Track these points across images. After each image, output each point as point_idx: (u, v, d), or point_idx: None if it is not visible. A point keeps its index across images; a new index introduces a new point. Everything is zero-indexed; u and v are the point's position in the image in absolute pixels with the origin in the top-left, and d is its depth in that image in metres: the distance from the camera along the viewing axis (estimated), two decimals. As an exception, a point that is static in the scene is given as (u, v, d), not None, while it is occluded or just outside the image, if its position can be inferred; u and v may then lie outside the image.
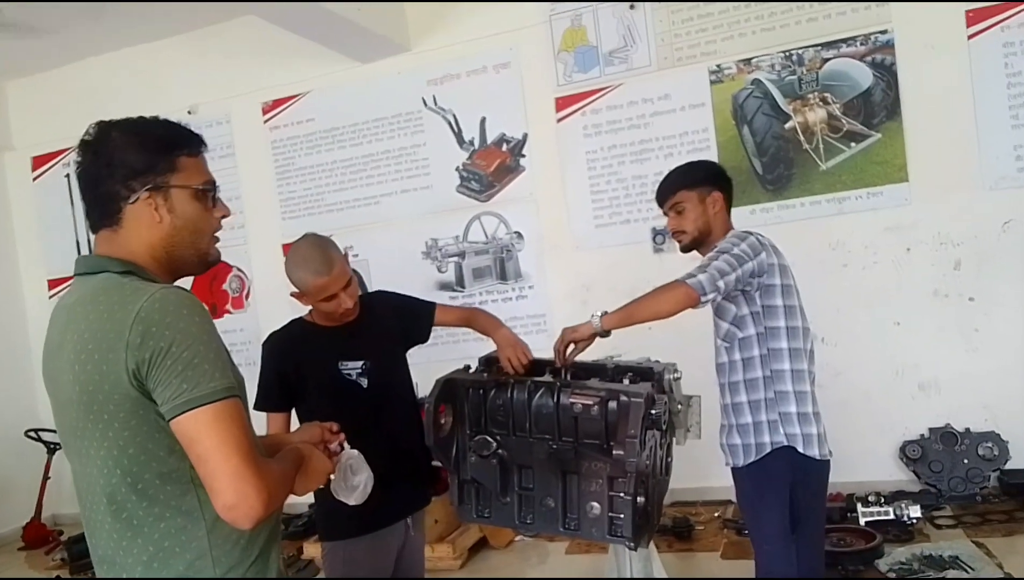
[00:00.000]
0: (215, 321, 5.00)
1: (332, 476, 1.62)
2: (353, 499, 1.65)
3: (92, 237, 1.47)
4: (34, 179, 5.86)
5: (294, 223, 5.14)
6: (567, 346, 2.27)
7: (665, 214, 2.52)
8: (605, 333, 2.24)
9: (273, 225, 5.30)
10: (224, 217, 1.51)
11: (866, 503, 3.90)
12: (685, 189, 2.42)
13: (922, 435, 4.23)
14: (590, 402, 2.11)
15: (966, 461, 4.11)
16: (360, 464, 1.66)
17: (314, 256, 2.18)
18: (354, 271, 5.14)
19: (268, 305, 5.12)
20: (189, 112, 5.31)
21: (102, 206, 1.40)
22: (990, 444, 4.10)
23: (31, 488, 5.20)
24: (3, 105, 5.84)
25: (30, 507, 5.23)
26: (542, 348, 4.18)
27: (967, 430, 4.15)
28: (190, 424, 1.24)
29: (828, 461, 2.33)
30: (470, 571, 4.12)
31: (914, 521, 3.80)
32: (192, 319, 1.29)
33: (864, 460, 4.31)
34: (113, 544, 1.35)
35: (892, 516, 3.82)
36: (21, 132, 5.83)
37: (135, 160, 1.37)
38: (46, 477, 5.19)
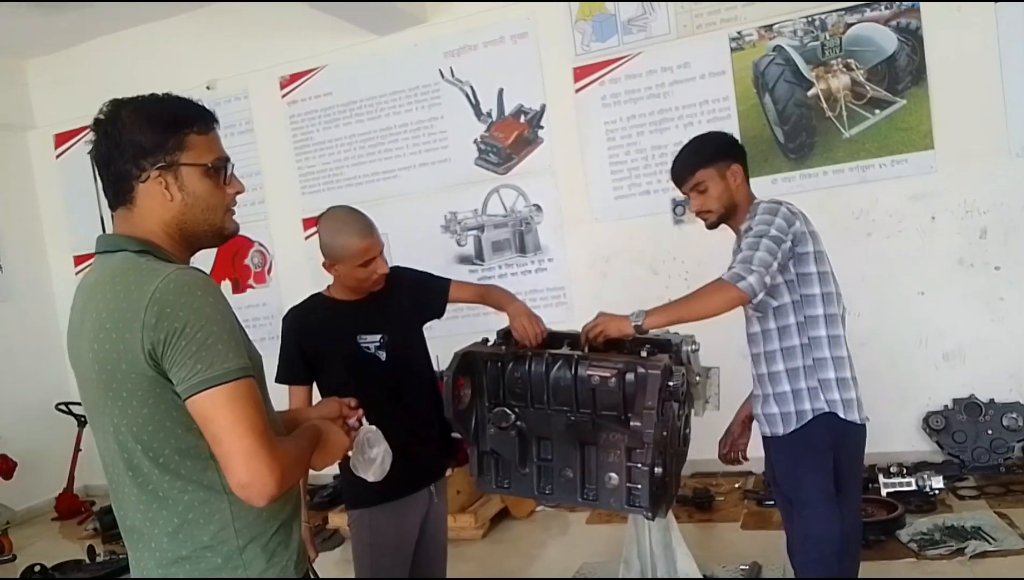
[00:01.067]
0: (237, 296, 5.06)
1: (350, 451, 1.64)
2: (371, 474, 1.66)
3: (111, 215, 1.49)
4: (57, 156, 5.92)
5: (314, 198, 5.16)
6: (598, 335, 2.23)
7: (685, 195, 2.47)
8: (642, 331, 2.20)
9: (293, 200, 5.32)
10: (238, 193, 1.50)
11: (888, 474, 3.89)
12: (703, 167, 2.36)
13: (946, 406, 4.20)
14: (607, 374, 2.12)
15: (990, 431, 4.08)
16: (378, 439, 1.67)
17: (355, 219, 2.24)
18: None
19: (290, 280, 5.15)
20: (208, 88, 5.32)
21: (115, 185, 1.41)
22: (1015, 415, 4.06)
23: (63, 460, 5.31)
24: (24, 84, 5.89)
25: (62, 479, 5.36)
26: (562, 321, 4.17)
27: (991, 400, 4.11)
28: (205, 404, 1.26)
29: (865, 426, 2.34)
30: (492, 541, 4.17)
31: (936, 492, 3.78)
32: (206, 300, 1.30)
33: (887, 431, 4.28)
34: (140, 515, 1.38)
35: (914, 487, 3.81)
36: (43, 110, 5.88)
37: (144, 139, 1.37)
38: (77, 449, 5.30)
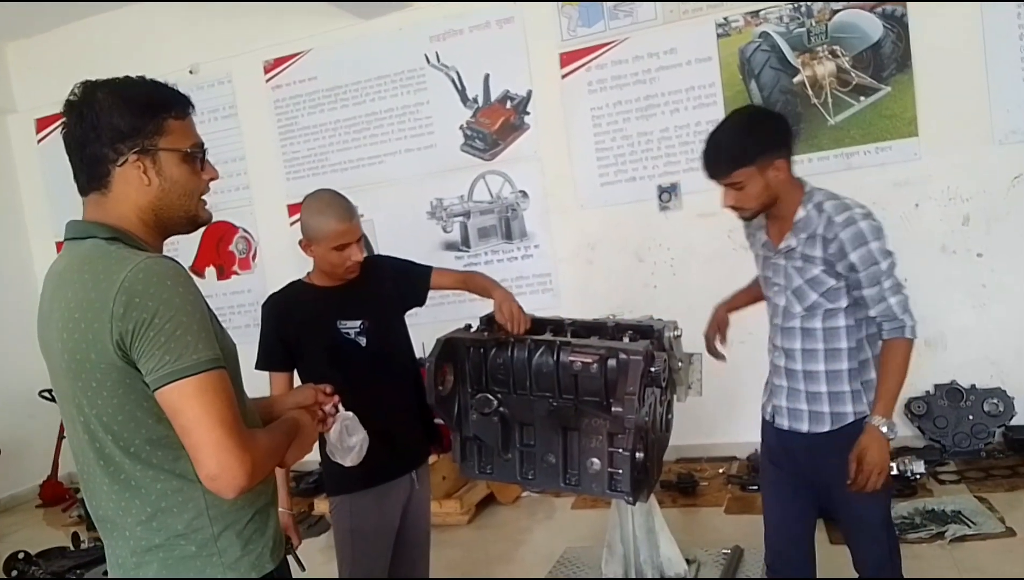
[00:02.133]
0: (222, 282, 5.03)
1: (329, 434, 1.64)
2: (349, 460, 1.66)
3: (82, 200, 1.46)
4: (39, 141, 5.85)
5: (299, 184, 5.13)
6: (878, 476, 2.07)
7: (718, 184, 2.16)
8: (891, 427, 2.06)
9: (278, 186, 5.29)
10: (212, 180, 1.49)
11: (870, 458, 3.91)
12: (744, 165, 2.03)
13: (927, 391, 4.23)
14: (589, 360, 2.12)
15: (971, 417, 4.12)
16: (355, 426, 1.67)
17: (337, 203, 2.24)
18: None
19: (275, 266, 5.13)
20: (191, 72, 5.28)
21: (89, 169, 1.38)
22: (995, 400, 4.10)
23: (47, 447, 5.28)
24: (5, 67, 5.81)
25: (46, 466, 5.33)
26: (548, 307, 4.21)
27: (973, 386, 4.15)
28: (173, 396, 1.25)
29: None
30: (477, 526, 4.18)
31: (917, 477, 3.80)
32: (176, 290, 1.28)
33: (869, 416, 4.33)
34: (112, 504, 1.37)
35: (895, 472, 3.81)
36: (23, 94, 5.81)
37: (122, 122, 1.35)
38: (61, 436, 5.26)
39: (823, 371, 2.14)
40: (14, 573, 4.11)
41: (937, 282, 4.20)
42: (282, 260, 4.97)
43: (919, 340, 4.33)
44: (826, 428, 2.16)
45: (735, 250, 4.25)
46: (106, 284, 1.26)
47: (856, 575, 2.29)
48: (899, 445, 4.16)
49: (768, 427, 2.31)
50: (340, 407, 1.67)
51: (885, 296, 2.05)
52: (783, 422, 2.24)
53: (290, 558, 2.19)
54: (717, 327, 2.57)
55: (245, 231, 5.39)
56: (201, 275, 5.44)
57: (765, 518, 2.40)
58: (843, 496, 2.14)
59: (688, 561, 2.86)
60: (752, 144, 2.05)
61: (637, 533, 2.73)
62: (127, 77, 1.43)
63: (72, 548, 4.25)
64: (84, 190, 1.42)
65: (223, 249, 5.41)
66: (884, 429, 2.03)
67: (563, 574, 3.06)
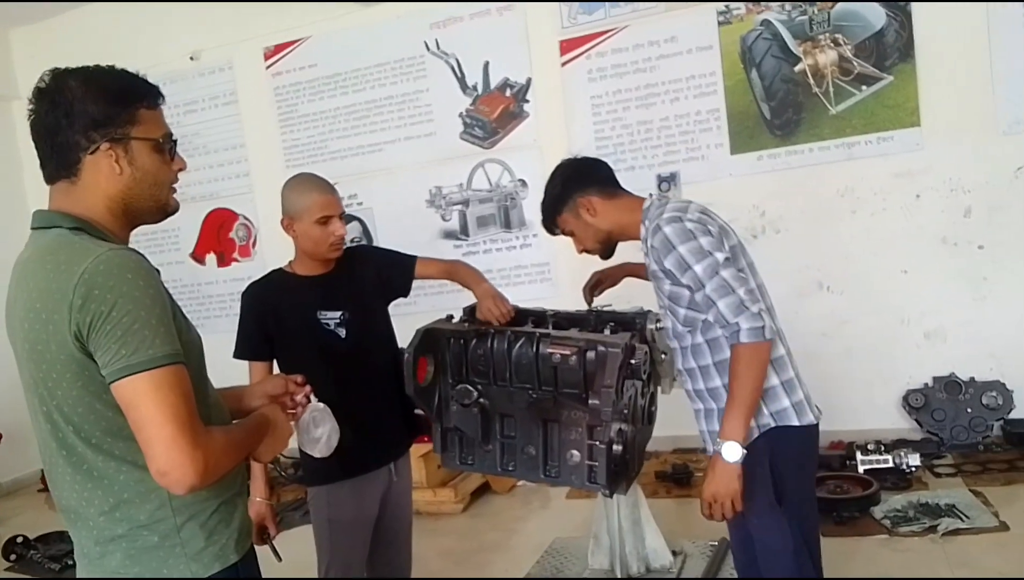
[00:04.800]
0: (222, 269, 5.02)
1: (298, 427, 1.63)
2: (317, 451, 1.66)
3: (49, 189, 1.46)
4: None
5: (299, 171, 5.07)
6: (719, 509, 1.94)
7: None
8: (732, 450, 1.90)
9: (278, 173, 5.25)
10: (180, 170, 1.49)
11: (865, 451, 3.90)
12: (558, 215, 2.21)
13: (926, 384, 4.20)
14: (568, 352, 2.11)
15: (969, 410, 4.08)
16: (324, 417, 1.66)
17: (317, 179, 2.30)
18: (359, 220, 5.17)
19: (274, 253, 5.12)
20: (191, 58, 5.28)
21: (60, 156, 1.37)
22: (994, 393, 4.06)
23: (49, 432, 5.31)
24: (8, 54, 5.83)
25: (48, 450, 5.36)
26: (546, 297, 4.22)
27: (971, 379, 4.11)
28: (127, 390, 1.24)
29: (816, 425, 2.07)
30: (471, 515, 4.19)
31: (913, 469, 3.79)
32: (136, 283, 1.26)
33: (867, 408, 4.31)
34: (75, 495, 1.37)
35: (891, 464, 3.82)
36: (27, 80, 5.78)
37: (95, 110, 1.35)
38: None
39: (721, 386, 2.01)
40: (13, 557, 4.16)
41: (937, 274, 4.17)
42: (282, 247, 4.93)
43: (917, 332, 4.35)
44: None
45: (733, 240, 4.23)
46: (67, 275, 1.26)
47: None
48: (896, 437, 4.15)
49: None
50: (312, 398, 1.67)
51: (712, 299, 1.89)
52: (709, 448, 2.06)
53: (268, 549, 2.22)
54: (600, 281, 2.59)
55: (245, 218, 5.40)
56: (202, 262, 5.47)
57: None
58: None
59: (674, 553, 2.86)
60: (556, 194, 2.21)
61: (623, 524, 2.74)
62: (98, 66, 1.43)
63: (71, 532, 4.29)
64: (51, 178, 1.41)
65: (223, 236, 5.42)
66: (725, 455, 1.88)
67: (551, 564, 3.06)
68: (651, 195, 2.17)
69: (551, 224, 2.27)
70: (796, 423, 2.00)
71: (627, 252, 2.36)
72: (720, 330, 1.93)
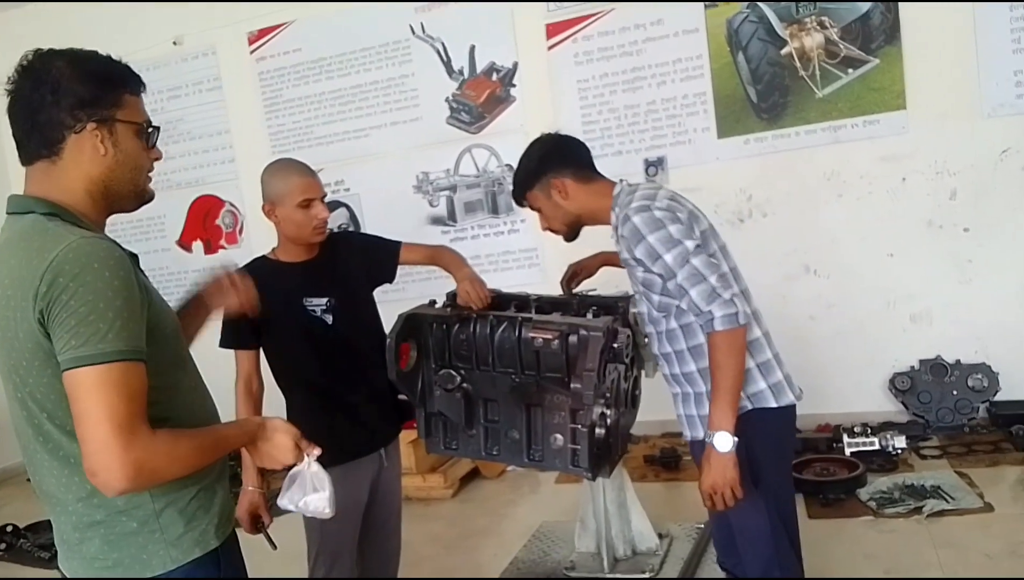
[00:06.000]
0: (209, 257, 4.97)
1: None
2: (295, 507, 1.55)
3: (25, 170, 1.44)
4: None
5: (284, 157, 5.08)
6: (722, 497, 1.93)
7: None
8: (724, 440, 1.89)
9: (263, 159, 5.09)
10: (157, 160, 1.50)
11: (852, 434, 3.92)
12: (528, 190, 2.18)
13: (912, 367, 4.22)
14: (550, 336, 2.11)
15: (955, 392, 4.11)
16: (314, 481, 1.52)
17: (295, 163, 2.30)
18: (346, 206, 5.14)
19: (261, 240, 5.06)
20: (174, 43, 5.22)
21: (42, 134, 1.36)
22: (980, 375, 4.09)
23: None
24: (-12, 38, 5.75)
25: (36, 439, 5.35)
26: (534, 282, 4.21)
27: (957, 361, 4.14)
28: (71, 382, 1.22)
29: (794, 405, 2.07)
30: (461, 500, 4.20)
31: (899, 451, 3.82)
32: (101, 274, 1.24)
33: (854, 391, 4.33)
34: (53, 480, 1.37)
35: (877, 446, 3.84)
36: (4, 64, 5.65)
37: (83, 90, 1.35)
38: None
39: (695, 371, 2.01)
40: (3, 546, 4.16)
41: (923, 257, 4.18)
42: (269, 234, 4.90)
43: (903, 315, 4.37)
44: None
45: (721, 225, 4.16)
46: (37, 261, 1.25)
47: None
48: (882, 420, 4.17)
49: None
50: (312, 461, 1.53)
51: (684, 288, 1.89)
52: (686, 433, 2.11)
53: (263, 537, 2.22)
54: (575, 273, 2.59)
55: (231, 205, 5.36)
56: (188, 249, 5.43)
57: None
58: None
59: (660, 535, 2.87)
60: (531, 169, 2.18)
61: (609, 508, 2.74)
62: (82, 49, 1.43)
63: (59, 520, 4.28)
64: (30, 158, 1.40)
65: (209, 223, 5.38)
66: (717, 446, 1.87)
67: (538, 547, 3.07)
68: (621, 181, 2.16)
69: (520, 197, 2.24)
70: (774, 405, 2.00)
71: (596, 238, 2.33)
72: (692, 316, 1.93)
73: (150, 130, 1.46)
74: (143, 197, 1.49)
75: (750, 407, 1.99)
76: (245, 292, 1.75)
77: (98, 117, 1.36)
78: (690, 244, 1.90)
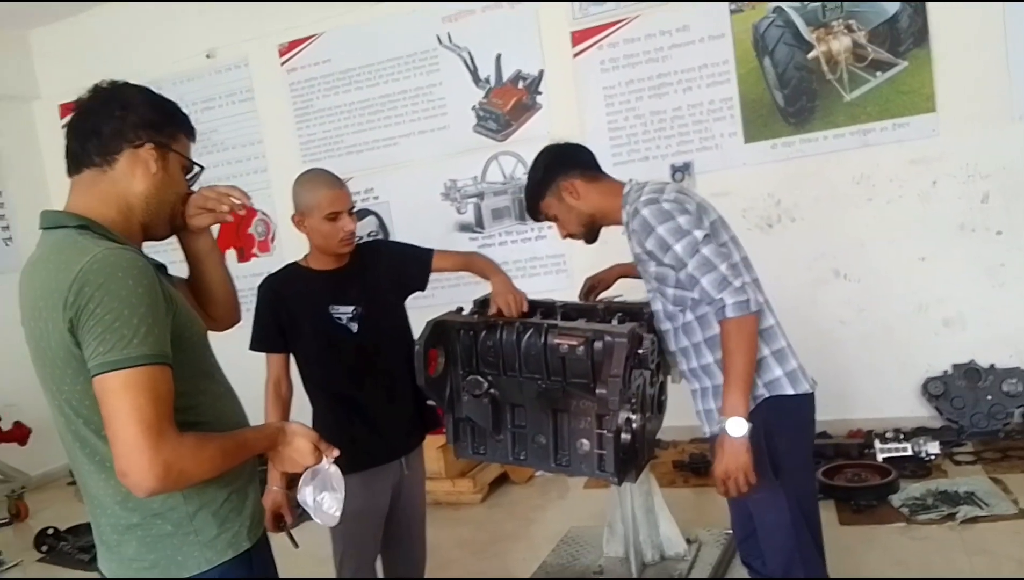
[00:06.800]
0: (242, 265, 5.06)
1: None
2: (316, 516, 1.57)
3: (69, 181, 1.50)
4: (63, 127, 5.94)
5: (315, 166, 5.14)
6: (736, 482, 1.95)
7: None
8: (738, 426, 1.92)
9: (295, 169, 5.22)
10: (189, 196, 1.60)
11: (884, 439, 3.88)
12: (541, 200, 2.23)
13: (945, 371, 4.16)
14: (575, 342, 2.13)
15: (989, 397, 4.05)
16: (329, 481, 1.55)
17: (327, 174, 2.34)
18: (375, 214, 5.20)
19: (293, 248, 5.14)
20: (208, 56, 5.33)
21: (102, 142, 1.43)
22: (1015, 380, 4.03)
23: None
24: (28, 54, 5.90)
25: (76, 444, 5.46)
26: (561, 288, 4.23)
27: (991, 366, 4.08)
28: (100, 387, 1.27)
29: (812, 394, 2.09)
30: (490, 505, 4.23)
31: (932, 457, 3.77)
32: (125, 282, 1.29)
33: (886, 397, 4.29)
34: (92, 483, 1.43)
35: (910, 452, 3.80)
36: (47, 81, 5.90)
37: (150, 114, 1.46)
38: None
39: (712, 363, 2.04)
40: (44, 548, 4.26)
41: (955, 261, 4.13)
42: (300, 242, 4.98)
43: (935, 319, 4.32)
44: None
45: (749, 230, 4.22)
46: (65, 273, 1.31)
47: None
48: (915, 425, 4.12)
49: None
50: (328, 463, 1.55)
51: (696, 277, 1.93)
52: (705, 428, 2.15)
53: (285, 536, 2.26)
54: (593, 286, 2.64)
55: (264, 214, 5.45)
56: (222, 258, 5.53)
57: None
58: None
59: (689, 540, 2.87)
60: (539, 179, 2.22)
61: (637, 513, 2.75)
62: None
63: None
64: (81, 165, 1.46)
65: (242, 231, 5.48)
66: (730, 431, 1.90)
67: (566, 551, 3.09)
68: (631, 180, 2.20)
69: (535, 210, 2.28)
70: (790, 392, 2.02)
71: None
72: (706, 307, 1.96)
73: (195, 169, 1.56)
74: (173, 223, 1.58)
75: (767, 395, 2.01)
76: (226, 193, 1.62)
77: (157, 140, 1.46)
78: (699, 233, 1.95)
